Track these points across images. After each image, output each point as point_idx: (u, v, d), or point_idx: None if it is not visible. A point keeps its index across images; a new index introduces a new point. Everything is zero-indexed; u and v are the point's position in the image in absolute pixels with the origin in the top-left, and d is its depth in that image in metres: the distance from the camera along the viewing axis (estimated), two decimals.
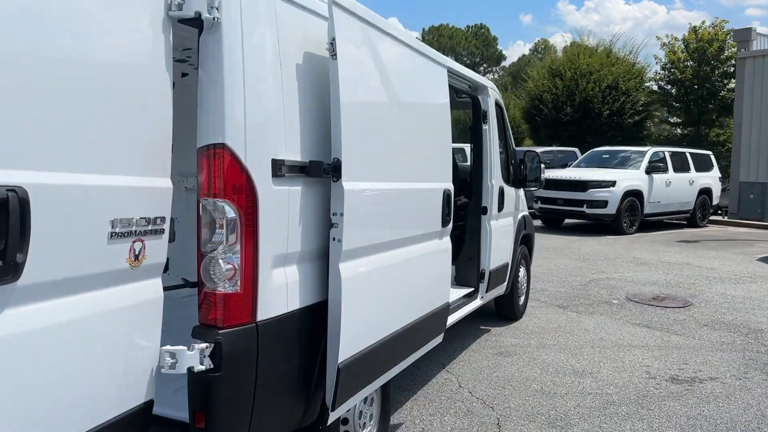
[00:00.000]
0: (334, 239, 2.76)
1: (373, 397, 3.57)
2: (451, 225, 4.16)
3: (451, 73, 4.82)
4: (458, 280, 5.77)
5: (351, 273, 2.82)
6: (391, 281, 3.28)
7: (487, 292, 5.63)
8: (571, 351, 5.79)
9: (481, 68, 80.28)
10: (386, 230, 3.18)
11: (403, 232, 3.42)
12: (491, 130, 5.62)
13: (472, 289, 5.62)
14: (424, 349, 3.93)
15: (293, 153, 2.65)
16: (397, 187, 3.31)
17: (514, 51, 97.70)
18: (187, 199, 3.99)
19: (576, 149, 20.32)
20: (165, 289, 2.30)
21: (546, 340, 6.14)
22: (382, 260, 3.17)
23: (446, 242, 4.15)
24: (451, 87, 5.14)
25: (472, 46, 75.77)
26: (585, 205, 14.43)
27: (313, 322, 2.79)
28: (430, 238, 3.88)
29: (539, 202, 15.45)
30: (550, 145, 25.33)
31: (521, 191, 6.68)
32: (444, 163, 4.08)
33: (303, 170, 2.70)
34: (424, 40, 79.70)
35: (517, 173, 6.50)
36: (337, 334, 2.74)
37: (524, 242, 6.94)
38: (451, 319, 4.92)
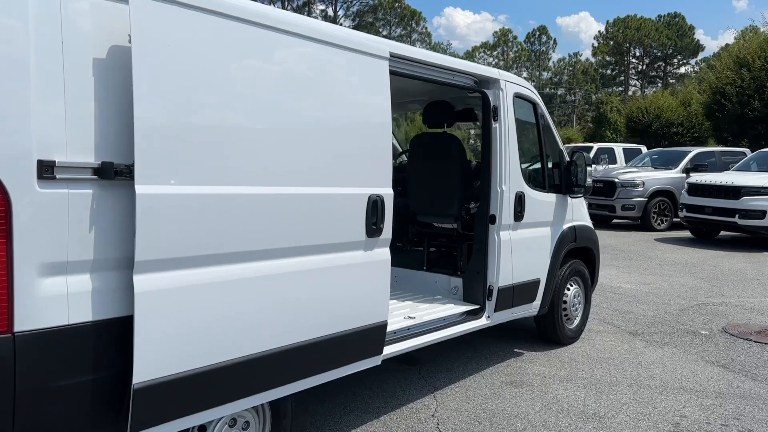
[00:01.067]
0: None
1: (251, 420, 3.28)
2: (386, 235, 3.70)
3: (429, 66, 4.32)
4: (465, 296, 5.18)
5: (153, 286, 2.58)
6: (247, 296, 2.96)
7: (496, 311, 4.97)
8: (598, 388, 4.91)
9: (675, 60, 73.38)
10: (231, 239, 2.86)
11: (273, 242, 3.07)
12: (504, 128, 4.95)
13: (478, 306, 5.00)
14: (338, 372, 3.54)
15: (79, 154, 2.48)
16: (257, 191, 2.97)
17: (723, 40, 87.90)
18: None
19: (746, 150, 17.56)
20: None
21: (580, 372, 5.27)
22: (227, 272, 2.87)
23: (380, 254, 3.70)
24: (450, 84, 4.64)
25: (663, 37, 69.67)
26: (737, 215, 12.36)
27: (119, 337, 2.59)
28: (343, 249, 3.48)
29: (684, 210, 13.58)
30: (737, 145, 22.35)
31: (569, 198, 5.81)
32: (372, 166, 3.63)
33: (97, 172, 2.52)
34: (608, 32, 74.63)
35: (564, 178, 5.68)
36: (132, 352, 2.53)
37: (577, 256, 6.05)
38: (435, 336, 4.44)
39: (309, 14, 60.36)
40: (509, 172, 4.97)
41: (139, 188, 2.52)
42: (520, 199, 5.08)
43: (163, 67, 2.60)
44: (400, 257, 6.01)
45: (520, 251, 5.15)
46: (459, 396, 4.72)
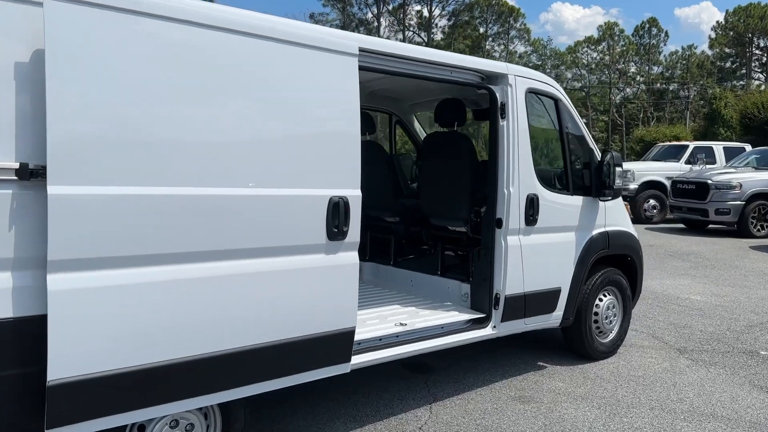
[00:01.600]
0: None
1: (195, 422, 3.26)
2: (353, 238, 3.56)
3: (418, 62, 4.13)
4: (473, 303, 4.92)
5: (67, 285, 2.62)
6: (180, 297, 2.94)
7: (503, 320, 4.68)
8: (614, 409, 4.49)
9: None
10: (155, 240, 2.84)
11: (209, 244, 3.02)
12: (513, 126, 4.64)
13: (484, 315, 4.73)
14: (296, 378, 3.45)
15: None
16: (181, 192, 2.91)
17: None
18: None
19: None
20: None
21: (600, 390, 4.86)
22: (154, 274, 2.86)
23: (345, 258, 3.56)
24: (450, 81, 4.44)
25: None
26: None
27: (37, 335, 2.64)
28: (300, 252, 3.38)
29: None
30: None
31: (601, 202, 5.37)
32: (334, 167, 3.50)
33: (17, 173, 2.59)
34: (727, 22, 69.12)
35: (595, 179, 5.27)
36: (46, 349, 2.58)
37: (613, 265, 5.59)
38: (426, 345, 4.25)
39: (404, 15, 60.64)
40: (518, 173, 4.66)
41: (51, 189, 2.55)
42: (532, 202, 4.75)
43: (77, 68, 2.62)
44: (417, 261, 5.83)
45: (534, 258, 4.82)
46: (456, 409, 4.48)
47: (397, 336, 4.26)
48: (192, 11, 2.96)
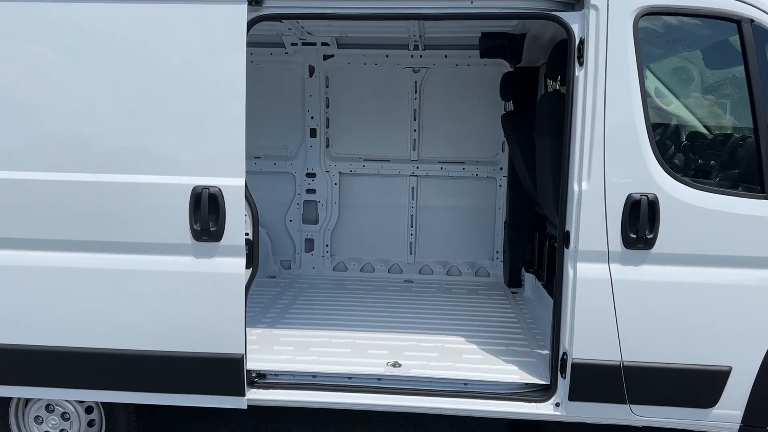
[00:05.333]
0: None
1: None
2: (232, 241, 2.77)
3: None
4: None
5: None
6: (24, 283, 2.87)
7: (573, 398, 2.88)
8: None
9: None
10: None
11: (36, 232, 2.82)
12: (599, 77, 2.71)
13: (545, 383, 3.01)
14: (179, 399, 2.95)
15: None
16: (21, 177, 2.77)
17: None
18: None
19: None
20: None
21: None
22: None
23: (221, 266, 2.80)
24: (494, 16, 3.06)
25: None
26: None
27: None
28: (160, 252, 2.82)
29: None
30: None
31: None
32: (202, 150, 2.74)
33: None
34: None
35: None
36: None
37: None
38: (430, 403, 3.05)
39: None
40: (603, 157, 2.73)
41: None
42: (641, 207, 2.71)
43: None
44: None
45: (650, 305, 2.78)
46: None
47: (380, 379, 3.11)
48: None
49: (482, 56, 4.63)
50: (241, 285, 2.82)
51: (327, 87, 4.95)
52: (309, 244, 5.11)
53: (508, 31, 4.37)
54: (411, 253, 5.09)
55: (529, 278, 4.54)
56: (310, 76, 4.92)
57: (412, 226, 5.08)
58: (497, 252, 5.04)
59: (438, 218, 5.07)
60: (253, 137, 5.06)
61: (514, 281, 4.75)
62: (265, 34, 4.61)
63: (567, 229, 2.82)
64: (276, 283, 4.79)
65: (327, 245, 5.10)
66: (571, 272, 2.82)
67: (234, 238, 2.77)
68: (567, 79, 2.81)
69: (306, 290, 4.62)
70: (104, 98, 2.77)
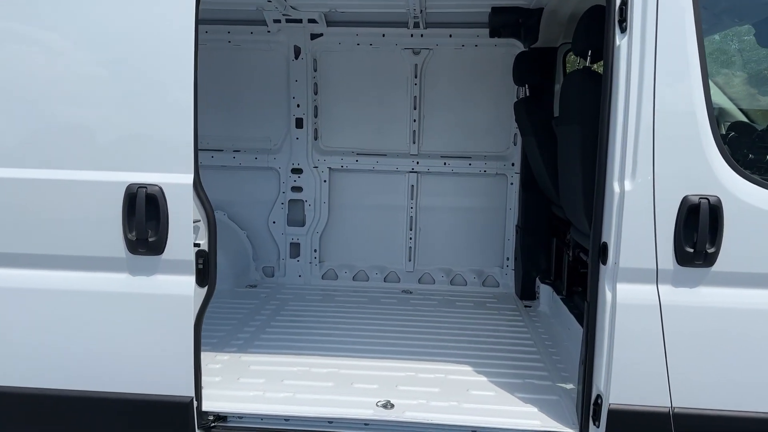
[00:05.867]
0: None
1: None
2: (177, 254, 2.18)
3: None
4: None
5: None
6: None
7: None
8: None
9: None
10: None
11: None
12: (643, 44, 2.12)
13: None
14: None
15: None
16: None
17: None
18: None
19: None
20: None
21: None
22: None
23: (163, 285, 2.22)
24: None
25: None
26: None
27: None
28: (89, 268, 2.24)
29: None
30: None
31: None
32: (139, 140, 2.15)
33: None
34: None
35: None
36: None
37: None
38: None
39: None
40: (651, 151, 2.13)
41: None
42: (701, 213, 2.11)
43: None
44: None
45: (718, 338, 2.19)
46: None
47: (367, 424, 2.52)
48: None
49: (492, 35, 4.08)
50: (189, 310, 2.23)
51: (315, 71, 4.37)
52: (295, 248, 4.53)
53: (522, 5, 3.80)
54: (410, 260, 4.51)
55: (545, 290, 3.95)
56: (296, 58, 4.34)
57: (411, 229, 4.50)
58: (508, 259, 4.45)
59: (441, 220, 4.49)
60: (232, 128, 4.58)
61: (527, 293, 4.17)
62: (244, 10, 4.04)
63: (604, 240, 2.23)
64: (256, 294, 4.21)
65: (315, 250, 4.52)
66: (608, 295, 2.22)
67: (179, 251, 2.19)
68: (605, 51, 2.21)
69: (289, 302, 4.04)
70: (13, 74, 2.18)
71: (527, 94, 3.89)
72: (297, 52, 4.32)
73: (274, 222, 4.52)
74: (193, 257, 2.21)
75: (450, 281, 4.47)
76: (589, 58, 2.70)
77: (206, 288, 2.32)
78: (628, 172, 2.15)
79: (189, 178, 2.18)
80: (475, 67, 4.29)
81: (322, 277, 4.53)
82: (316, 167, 4.45)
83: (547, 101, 3.90)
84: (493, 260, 4.49)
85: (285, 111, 4.40)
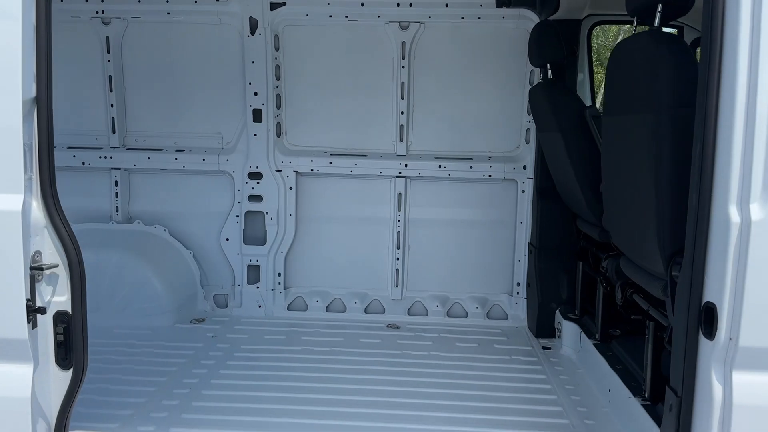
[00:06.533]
0: None
1: None
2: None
3: None
4: None
5: None
6: None
7: None
8: None
9: None
10: None
11: None
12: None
13: None
14: None
15: None
16: None
17: None
18: None
19: None
20: None
21: None
22: None
23: None
24: None
25: None
26: None
27: None
28: None
29: None
30: None
31: None
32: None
33: None
34: None
35: None
36: None
37: None
38: None
39: None
40: None
41: None
42: None
43: None
44: (631, 346, 2.73)
45: None
46: None
47: None
48: None
49: (499, 5, 3.30)
50: (25, 413, 1.35)
51: (276, 49, 3.55)
52: (254, 272, 3.69)
53: None
54: (397, 286, 3.68)
55: (569, 328, 3.13)
56: (252, 33, 3.50)
57: (398, 248, 3.67)
58: (518, 285, 3.63)
59: (434, 236, 3.70)
60: (173, 123, 3.71)
61: (544, 329, 3.36)
62: None
63: (708, 299, 1.37)
64: (202, 333, 3.35)
65: (279, 274, 3.68)
66: (717, 388, 1.39)
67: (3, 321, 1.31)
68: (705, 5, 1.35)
69: (242, 345, 3.19)
70: None
71: (549, 77, 3.05)
72: (253, 25, 3.52)
73: (227, 239, 3.68)
74: (26, 331, 1.33)
75: (446, 312, 3.65)
76: (658, 16, 1.84)
77: (70, 371, 1.47)
78: (756, 191, 1.30)
79: (17, 202, 1.30)
80: (477, 46, 3.53)
81: (288, 308, 3.70)
82: (280, 171, 3.63)
83: (572, 87, 3.09)
84: (499, 286, 3.68)
85: (239, 100, 3.63)
